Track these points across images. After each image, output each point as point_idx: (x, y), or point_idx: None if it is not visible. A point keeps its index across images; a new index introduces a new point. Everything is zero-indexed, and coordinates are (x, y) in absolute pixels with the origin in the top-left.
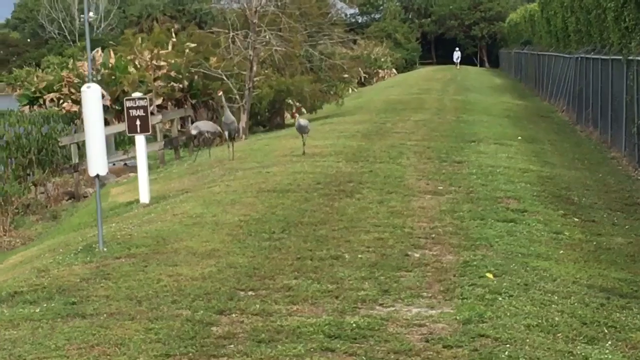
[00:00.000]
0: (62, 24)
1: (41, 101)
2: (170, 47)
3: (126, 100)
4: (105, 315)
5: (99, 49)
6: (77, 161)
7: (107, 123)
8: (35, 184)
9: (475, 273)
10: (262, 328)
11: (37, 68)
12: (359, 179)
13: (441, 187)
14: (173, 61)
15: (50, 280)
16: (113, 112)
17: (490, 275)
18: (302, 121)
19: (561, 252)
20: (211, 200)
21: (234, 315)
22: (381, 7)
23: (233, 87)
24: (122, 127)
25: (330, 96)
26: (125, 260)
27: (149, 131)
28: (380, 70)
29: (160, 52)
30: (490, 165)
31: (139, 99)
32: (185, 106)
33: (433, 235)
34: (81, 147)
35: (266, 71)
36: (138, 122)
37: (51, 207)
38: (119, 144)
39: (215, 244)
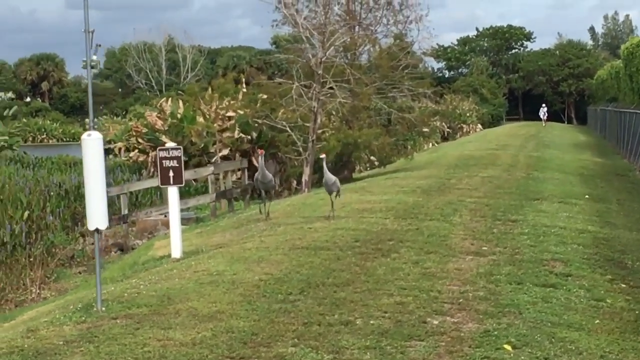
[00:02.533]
0: (149, 74)
1: (116, 150)
2: (240, 97)
3: (159, 150)
4: None
5: (167, 98)
6: (126, 212)
7: None
8: (83, 235)
9: (494, 344)
10: None
11: (124, 117)
12: (401, 237)
13: (485, 248)
14: (242, 112)
15: (32, 341)
16: None
17: (508, 347)
18: (330, 176)
19: (597, 321)
20: (239, 256)
21: None
22: (468, 62)
23: (297, 139)
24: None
25: (400, 150)
26: (120, 322)
27: (182, 183)
28: (464, 125)
29: (230, 102)
30: (546, 225)
31: (173, 149)
32: (242, 158)
33: (460, 300)
34: (130, 197)
35: (334, 123)
36: (171, 174)
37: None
38: (182, 194)
39: (222, 305)
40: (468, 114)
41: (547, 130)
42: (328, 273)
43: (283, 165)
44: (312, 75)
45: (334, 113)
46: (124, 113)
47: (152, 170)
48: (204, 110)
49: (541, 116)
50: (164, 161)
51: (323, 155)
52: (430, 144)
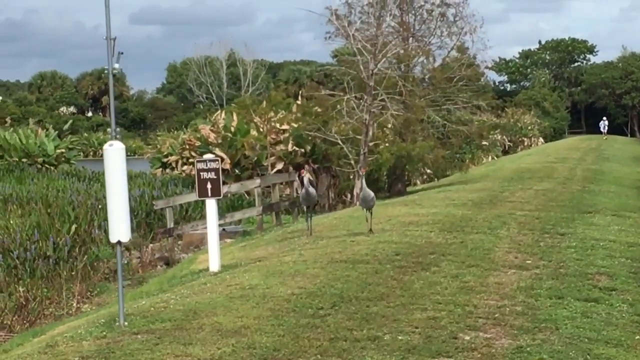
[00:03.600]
0: (210, 88)
1: (174, 164)
2: (294, 110)
3: (197, 162)
4: None
5: (221, 111)
6: (172, 225)
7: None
8: (128, 249)
9: None
10: None
11: (184, 132)
12: (444, 250)
13: (529, 261)
14: (296, 125)
15: (48, 357)
16: (233, 176)
17: None
18: (368, 192)
19: (637, 337)
20: (275, 270)
21: None
22: (530, 76)
23: (349, 152)
24: (224, 189)
25: (456, 163)
26: (141, 337)
27: (220, 195)
28: (525, 139)
29: (281, 115)
30: (595, 239)
31: (211, 160)
32: (290, 171)
33: (496, 315)
34: (180, 211)
35: (387, 136)
36: (209, 186)
37: (143, 272)
38: (237, 207)
39: (249, 320)
40: (529, 128)
41: (608, 144)
42: (363, 287)
43: (337, 178)
44: (364, 87)
45: (387, 126)
46: (184, 127)
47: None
48: (258, 123)
49: (601, 129)
50: (201, 173)
51: (362, 172)
52: (490, 158)
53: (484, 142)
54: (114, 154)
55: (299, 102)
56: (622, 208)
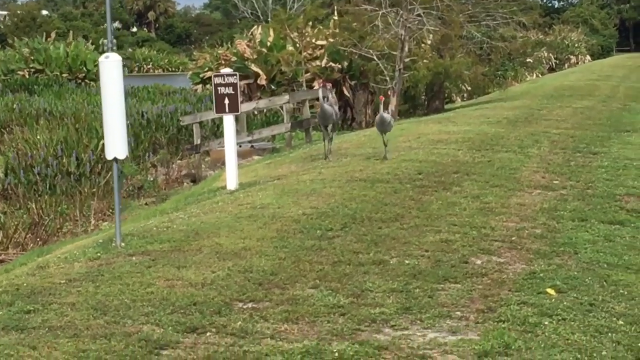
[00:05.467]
0: (255, 4)
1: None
2: (331, 25)
3: (214, 76)
4: (47, 329)
5: (258, 26)
6: (198, 142)
7: None
8: (154, 165)
9: (537, 288)
10: (220, 355)
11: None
12: (470, 169)
13: (557, 181)
14: (332, 40)
15: (35, 280)
16: (269, 92)
17: (551, 291)
18: (385, 115)
19: None
20: (290, 189)
21: (205, 335)
22: None
23: (384, 68)
24: (252, 105)
25: (498, 80)
26: (136, 259)
27: (238, 111)
28: (572, 57)
29: (318, 30)
30: (629, 158)
31: (228, 75)
32: (327, 85)
33: (513, 239)
34: (204, 127)
35: (424, 52)
36: (227, 101)
37: (168, 190)
38: (272, 124)
39: (252, 241)
40: (576, 45)
41: None
42: (378, 207)
43: (374, 95)
44: (401, 2)
45: (425, 42)
46: (226, 43)
47: (240, 99)
48: (294, 38)
49: None
50: (219, 88)
51: (381, 99)
52: (535, 75)
53: (527, 60)
54: (110, 66)
55: (335, 17)
56: None
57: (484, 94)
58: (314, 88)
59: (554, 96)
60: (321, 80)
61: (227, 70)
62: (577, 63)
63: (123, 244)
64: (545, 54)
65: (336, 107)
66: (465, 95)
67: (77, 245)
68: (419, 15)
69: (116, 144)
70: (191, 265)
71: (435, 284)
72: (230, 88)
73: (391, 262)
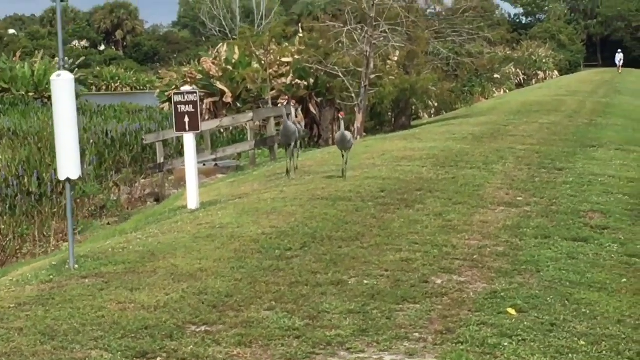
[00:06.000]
0: (223, 22)
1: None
2: (296, 42)
3: (174, 94)
4: None
5: (224, 44)
6: (162, 160)
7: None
8: (117, 184)
9: (497, 307)
10: None
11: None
12: (433, 186)
13: (520, 198)
14: (298, 57)
15: None
16: (235, 109)
17: (512, 311)
18: (346, 133)
19: (624, 280)
20: (250, 208)
21: None
22: (546, 8)
23: (349, 85)
24: (215, 123)
25: (465, 97)
26: (89, 281)
27: (198, 129)
28: (540, 72)
29: (286, 47)
30: (594, 174)
31: (188, 92)
32: (291, 103)
33: (474, 257)
34: (168, 145)
35: (390, 68)
36: (187, 119)
37: (131, 209)
38: (238, 142)
39: (208, 262)
40: (544, 61)
41: (623, 77)
42: (339, 226)
43: (340, 112)
44: (365, 19)
45: (390, 59)
46: (194, 61)
47: (206, 117)
48: (259, 55)
49: (617, 62)
50: (179, 106)
51: (342, 115)
52: (502, 91)
53: (495, 75)
54: (62, 85)
55: (300, 35)
56: (628, 142)
57: (452, 110)
58: (279, 105)
59: (521, 112)
60: (286, 97)
61: (187, 87)
62: (545, 79)
63: (77, 266)
64: (513, 70)
65: (301, 125)
66: (432, 111)
67: (33, 267)
68: (384, 31)
69: (69, 163)
70: (145, 287)
71: (393, 304)
72: (191, 106)
73: (350, 282)
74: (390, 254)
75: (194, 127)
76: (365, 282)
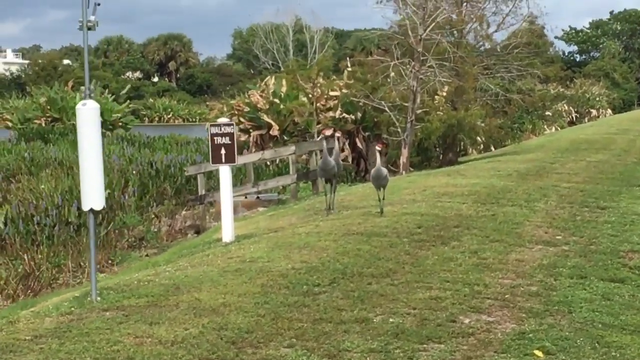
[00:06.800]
0: (276, 55)
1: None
2: (345, 76)
3: (210, 126)
4: None
5: (272, 76)
6: (203, 192)
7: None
8: (157, 216)
9: (524, 349)
10: None
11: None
12: (471, 223)
13: (559, 237)
14: (346, 91)
15: (1, 335)
16: (281, 142)
17: (539, 353)
18: (382, 169)
19: None
20: (283, 242)
21: None
22: (601, 46)
23: (396, 120)
24: (257, 156)
25: (514, 133)
26: (109, 314)
27: (234, 162)
28: (592, 110)
29: (334, 80)
30: (637, 214)
31: (225, 124)
32: (336, 136)
33: (506, 296)
34: (212, 177)
35: (436, 103)
36: (223, 151)
37: (171, 241)
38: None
39: (233, 297)
40: (597, 99)
41: None
42: (371, 262)
43: (388, 147)
44: (412, 53)
45: (438, 94)
46: (244, 93)
47: (253, 150)
48: (306, 88)
49: None
50: (215, 138)
51: (379, 147)
52: (554, 128)
53: (547, 113)
54: (87, 113)
55: (349, 69)
56: None
57: (501, 147)
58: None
59: (569, 149)
60: (323, 131)
61: (224, 119)
62: (598, 116)
63: (99, 298)
64: (566, 107)
65: (339, 159)
66: (481, 147)
67: (62, 299)
68: (431, 66)
69: (93, 193)
70: (164, 321)
71: (417, 344)
72: (227, 138)
73: (375, 320)
74: (420, 291)
75: (230, 159)
76: (391, 320)
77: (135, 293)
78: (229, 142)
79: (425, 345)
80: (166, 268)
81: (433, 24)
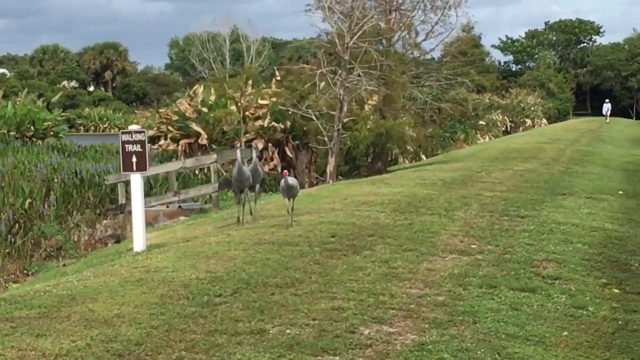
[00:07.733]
0: (213, 64)
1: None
2: (273, 84)
3: (122, 133)
4: None
5: (200, 85)
6: (123, 201)
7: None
8: (78, 225)
9: None
10: None
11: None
12: (387, 232)
13: (475, 246)
14: (275, 99)
15: None
16: (210, 151)
17: None
18: (290, 180)
19: (565, 333)
20: (192, 252)
21: None
22: (536, 56)
23: (323, 129)
24: (178, 164)
25: (445, 142)
26: None
27: (146, 169)
28: (527, 120)
29: (263, 89)
30: (556, 222)
31: (136, 132)
32: (255, 146)
33: (411, 306)
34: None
35: (366, 112)
36: (134, 159)
37: (90, 250)
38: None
39: (129, 308)
40: (532, 109)
41: (610, 126)
42: (278, 272)
43: (316, 155)
44: (339, 61)
45: (367, 103)
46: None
47: (183, 159)
48: (235, 97)
49: (604, 112)
50: (126, 145)
51: (238, 144)
52: (488, 138)
53: (480, 122)
54: None
55: (278, 78)
56: (600, 190)
57: (432, 156)
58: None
59: (498, 158)
60: (235, 142)
61: (135, 127)
62: (533, 126)
63: None
64: (500, 117)
65: (259, 168)
66: (412, 157)
67: None
68: (358, 75)
69: None
70: (52, 333)
71: (311, 356)
72: (138, 145)
73: (271, 331)
74: (323, 301)
75: (141, 167)
76: (288, 331)
77: (28, 304)
78: (141, 150)
79: (320, 358)
80: (69, 278)
81: (360, 32)
